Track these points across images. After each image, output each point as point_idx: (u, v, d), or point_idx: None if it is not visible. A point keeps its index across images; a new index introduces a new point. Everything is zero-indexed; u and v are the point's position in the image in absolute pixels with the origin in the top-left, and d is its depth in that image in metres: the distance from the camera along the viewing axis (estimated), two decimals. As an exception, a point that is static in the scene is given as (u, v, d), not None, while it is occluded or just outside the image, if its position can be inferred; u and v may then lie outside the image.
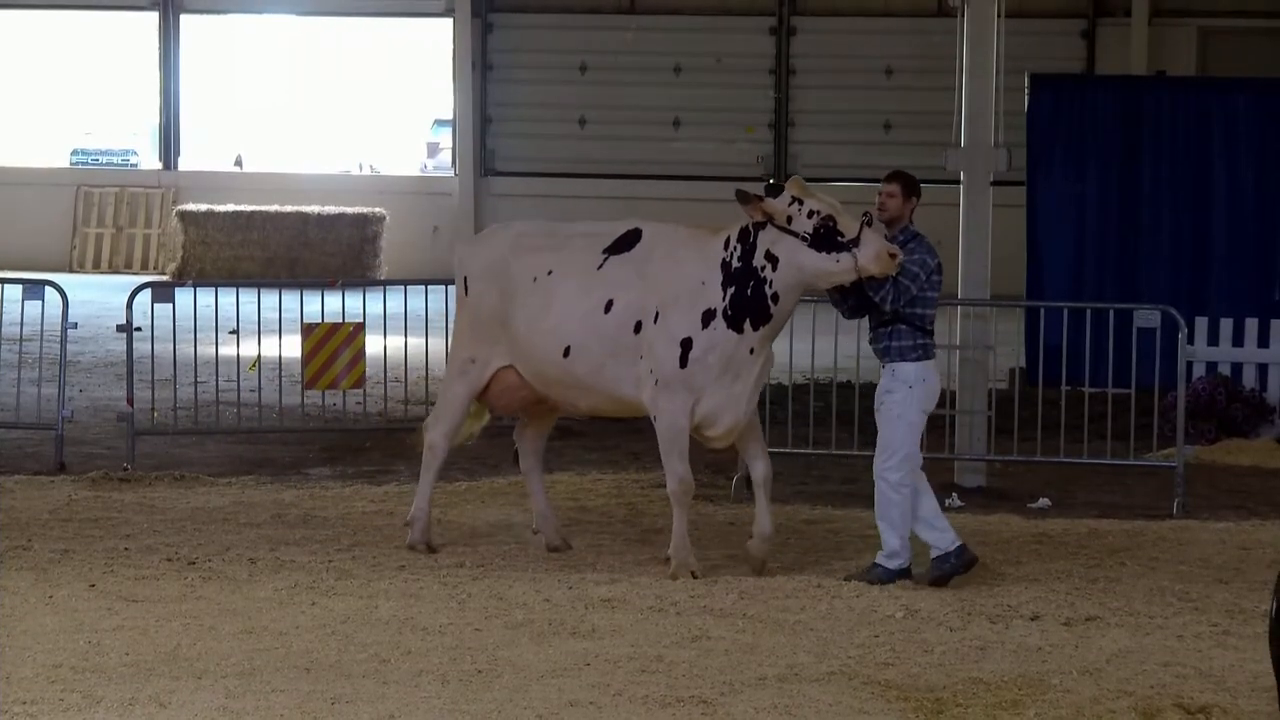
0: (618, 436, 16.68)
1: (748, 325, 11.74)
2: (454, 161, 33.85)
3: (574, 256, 12.22)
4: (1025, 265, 18.78)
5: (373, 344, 16.26)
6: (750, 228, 11.76)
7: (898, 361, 11.70)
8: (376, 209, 32.40)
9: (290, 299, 17.15)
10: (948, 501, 14.42)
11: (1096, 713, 9.15)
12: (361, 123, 36.56)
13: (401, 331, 17.56)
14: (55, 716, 9.00)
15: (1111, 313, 15.57)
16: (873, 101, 32.22)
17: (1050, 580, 11.67)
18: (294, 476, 15.17)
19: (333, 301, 18.19)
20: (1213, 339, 17.47)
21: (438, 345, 17.25)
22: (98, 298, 24.20)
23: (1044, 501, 14.40)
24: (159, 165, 34.69)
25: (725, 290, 11.75)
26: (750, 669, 9.83)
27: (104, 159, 35.47)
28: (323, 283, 22.33)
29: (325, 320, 16.61)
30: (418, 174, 35.69)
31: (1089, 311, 15.65)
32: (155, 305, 15.91)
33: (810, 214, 11.56)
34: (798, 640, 10.42)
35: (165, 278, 30.29)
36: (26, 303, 16.25)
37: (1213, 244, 18.92)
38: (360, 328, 16.25)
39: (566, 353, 12.07)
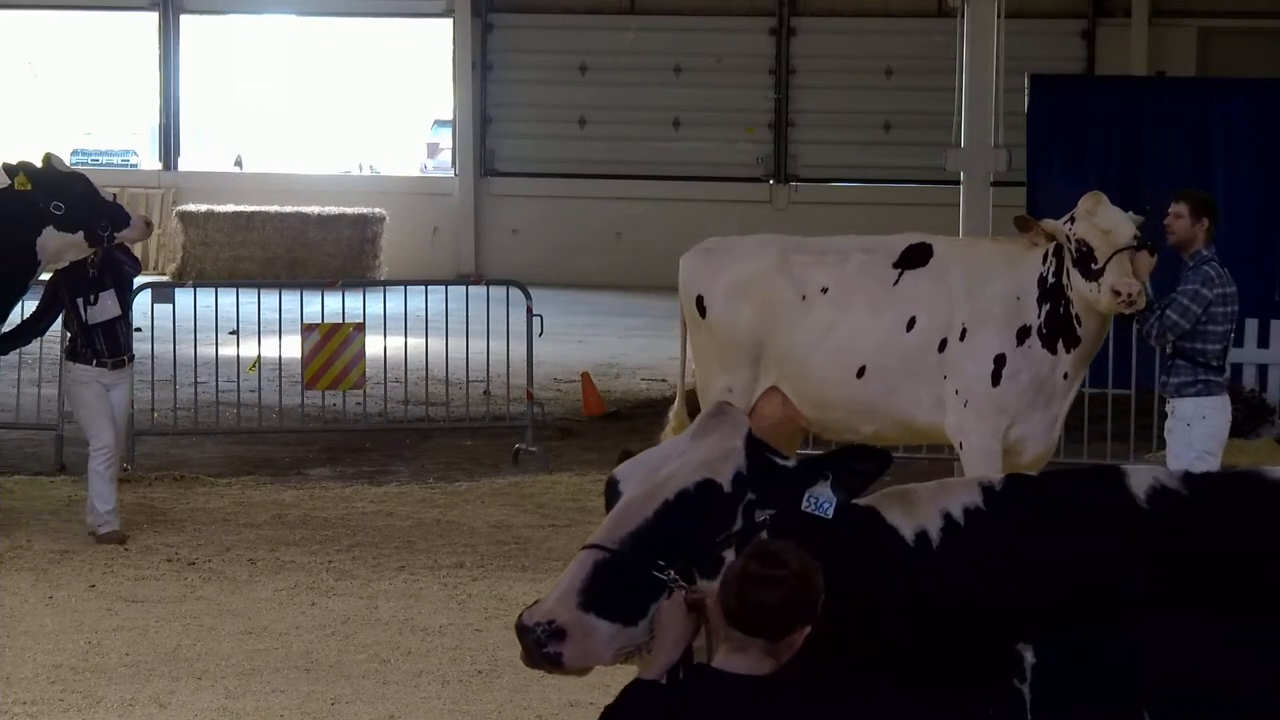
0: (617, 436, 16.65)
1: (1060, 346, 11.13)
2: (454, 162, 33.82)
3: (854, 272, 11.49)
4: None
5: (373, 344, 16.25)
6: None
7: (1175, 398, 11.12)
8: (376, 209, 32.37)
9: (290, 299, 17.14)
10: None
11: (1096, 713, 9.14)
12: (361, 123, 36.55)
13: (401, 332, 17.55)
14: (55, 716, 9.01)
15: (1112, 313, 15.52)
16: (873, 101, 32.17)
17: (1050, 580, 11.64)
18: (294, 477, 15.16)
19: (333, 302, 18.19)
20: (1213, 339, 17.43)
21: (437, 345, 17.22)
22: (98, 298, 24.15)
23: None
24: (159, 165, 34.66)
25: (1040, 307, 11.13)
26: (750, 669, 9.82)
27: (104, 159, 35.42)
28: (323, 283, 22.32)
29: (325, 320, 16.61)
30: (418, 174, 35.67)
31: (1089, 311, 15.59)
32: (155, 305, 15.91)
33: (1070, 235, 10.95)
34: (798, 640, 10.40)
35: (165, 278, 30.22)
36: (26, 303, 16.23)
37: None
38: (360, 328, 16.24)
39: (861, 373, 11.36)
